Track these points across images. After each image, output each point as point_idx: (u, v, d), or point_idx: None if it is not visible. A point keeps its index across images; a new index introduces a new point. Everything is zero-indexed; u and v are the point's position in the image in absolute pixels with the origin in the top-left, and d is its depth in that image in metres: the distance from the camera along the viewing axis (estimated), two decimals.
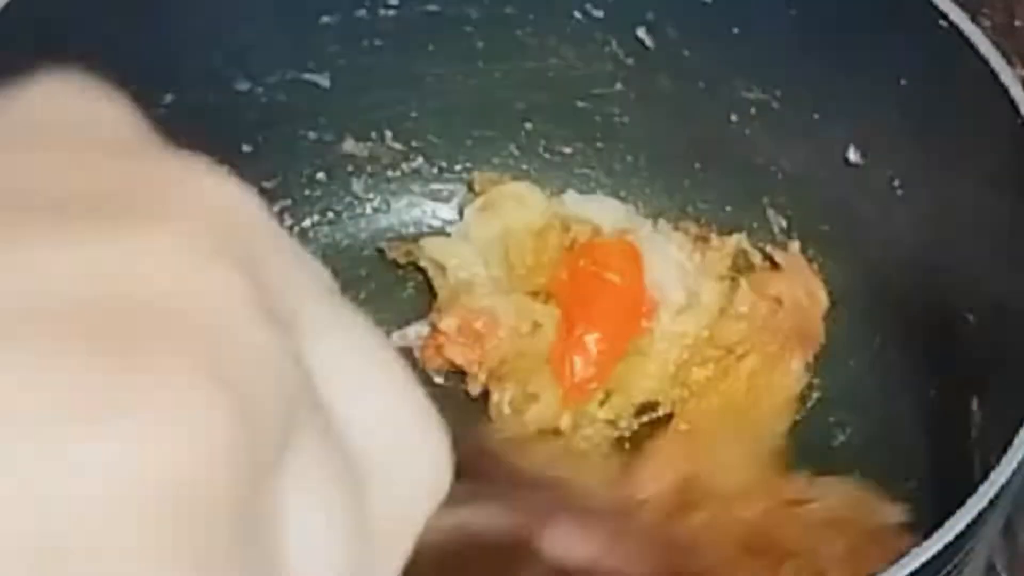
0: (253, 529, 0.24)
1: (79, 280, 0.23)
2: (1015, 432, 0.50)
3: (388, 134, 0.71)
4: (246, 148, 0.68)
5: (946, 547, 0.48)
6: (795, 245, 0.68)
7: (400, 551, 0.27)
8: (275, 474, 0.24)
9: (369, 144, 0.71)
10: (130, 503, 0.22)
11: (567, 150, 0.71)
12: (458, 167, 0.72)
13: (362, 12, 0.67)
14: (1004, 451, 0.49)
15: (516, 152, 0.71)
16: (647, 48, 0.67)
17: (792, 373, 0.67)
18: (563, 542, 0.54)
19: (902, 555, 0.47)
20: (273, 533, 0.24)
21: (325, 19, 0.67)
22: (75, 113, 0.26)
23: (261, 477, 0.24)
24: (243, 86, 0.67)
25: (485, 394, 0.67)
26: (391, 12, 0.67)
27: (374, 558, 0.26)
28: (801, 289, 0.67)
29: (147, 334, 0.23)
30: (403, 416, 0.26)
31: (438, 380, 0.68)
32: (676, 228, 0.69)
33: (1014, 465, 0.49)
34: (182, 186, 0.25)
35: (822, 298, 0.67)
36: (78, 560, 0.22)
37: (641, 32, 0.66)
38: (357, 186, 0.71)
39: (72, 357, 0.23)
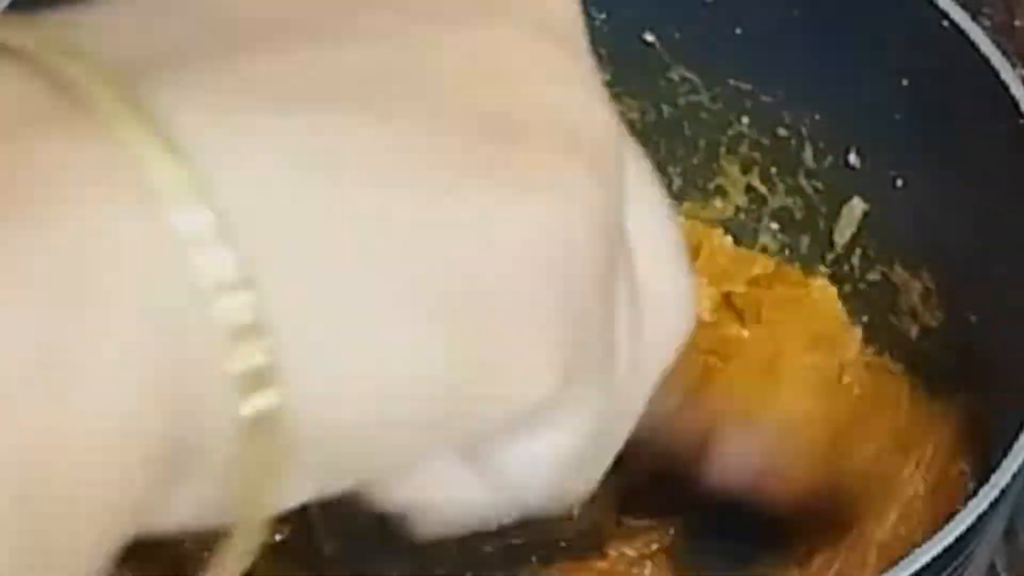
0: (610, 298, 0.28)
1: (439, 54, 0.26)
2: (1015, 434, 0.50)
3: None
4: None
5: (946, 549, 0.48)
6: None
7: (650, 384, 0.30)
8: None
9: None
10: (521, 260, 0.25)
11: None
12: None
13: None
14: (1005, 453, 0.49)
15: None
16: (649, 48, 0.67)
17: None
18: (728, 459, 0.54)
19: (903, 557, 0.47)
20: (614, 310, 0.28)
21: None
22: None
23: (615, 255, 0.27)
24: None
25: None
26: None
27: (639, 384, 0.30)
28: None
29: (511, 109, 0.26)
30: (668, 272, 0.30)
31: None
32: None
33: (1015, 467, 0.49)
34: None
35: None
36: (476, 308, 0.25)
37: (644, 33, 0.66)
38: None
39: (454, 126, 0.25)
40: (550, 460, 0.29)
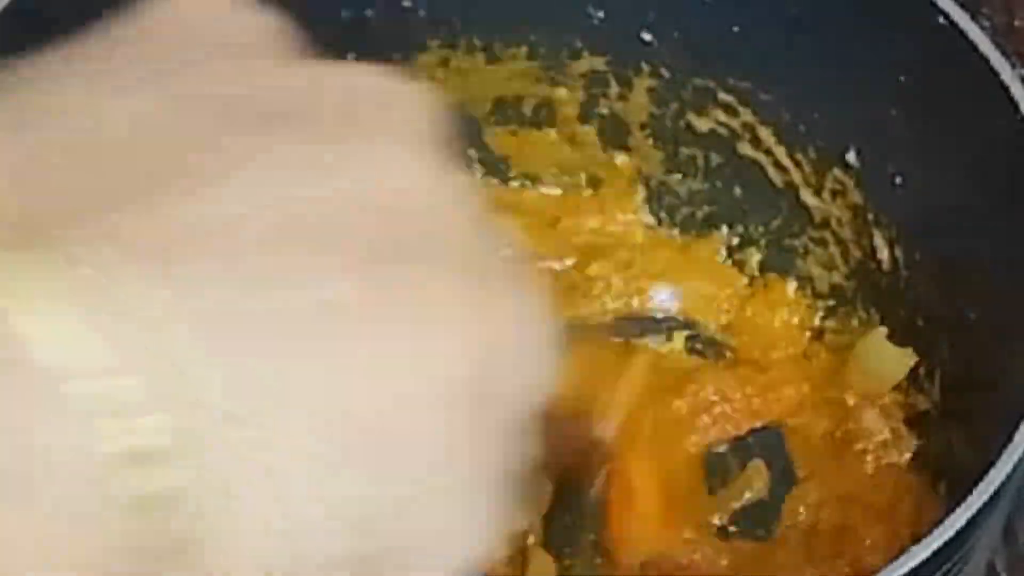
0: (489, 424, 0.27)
1: (327, 187, 0.25)
2: (1014, 430, 0.50)
3: None
4: None
5: (946, 544, 0.47)
6: None
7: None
8: None
9: None
10: (437, 396, 0.25)
11: None
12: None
13: (369, 12, 0.66)
14: (1003, 448, 0.49)
15: None
16: (648, 48, 0.67)
17: None
18: None
19: (902, 552, 0.47)
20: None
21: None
22: (223, 21, 0.28)
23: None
24: None
25: None
26: (397, 13, 0.67)
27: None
28: None
29: (403, 243, 0.26)
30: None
31: None
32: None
33: (1014, 460, 0.49)
34: (375, 94, 0.27)
35: None
36: (394, 443, 0.25)
37: (643, 32, 0.66)
38: None
39: (352, 267, 0.25)
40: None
